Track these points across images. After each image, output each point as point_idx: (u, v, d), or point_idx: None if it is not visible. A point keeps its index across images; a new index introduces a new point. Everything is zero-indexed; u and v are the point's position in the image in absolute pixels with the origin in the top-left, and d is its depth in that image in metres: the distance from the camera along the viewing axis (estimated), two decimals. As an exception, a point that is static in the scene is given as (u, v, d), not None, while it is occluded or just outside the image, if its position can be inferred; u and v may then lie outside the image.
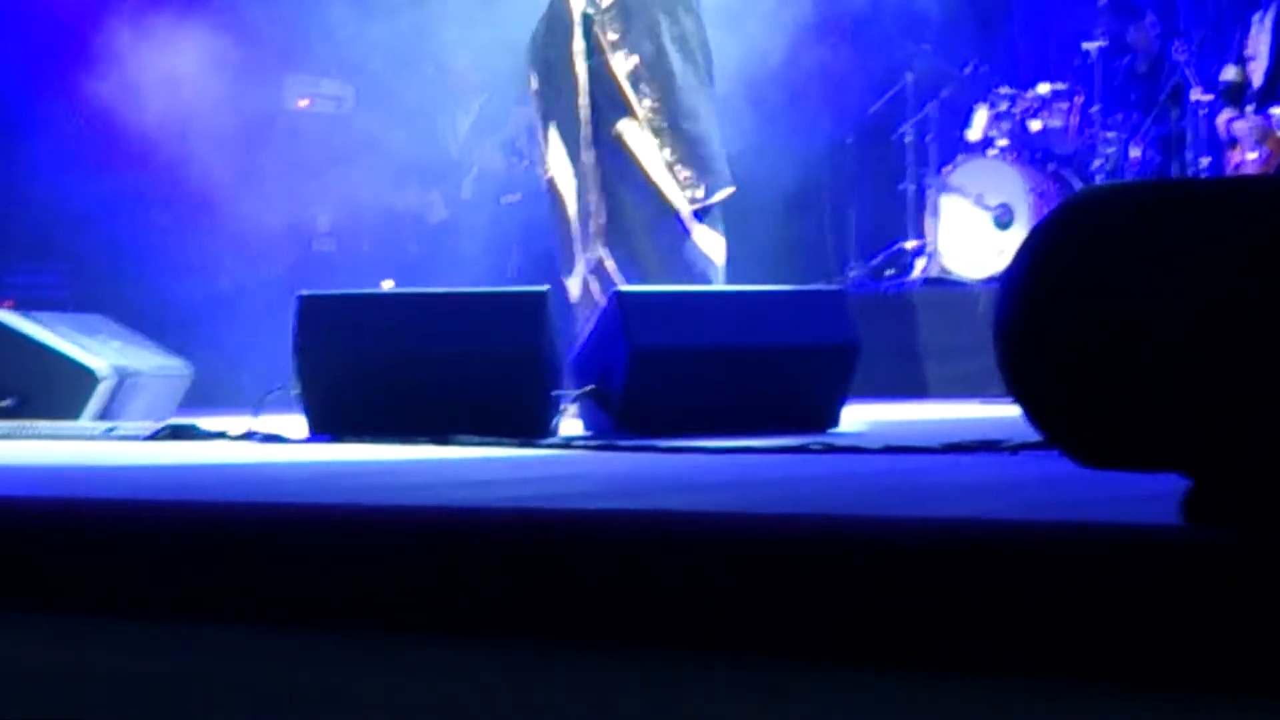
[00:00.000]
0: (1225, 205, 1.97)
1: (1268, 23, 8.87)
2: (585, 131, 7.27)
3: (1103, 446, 2.11)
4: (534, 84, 7.49)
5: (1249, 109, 8.97)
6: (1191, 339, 1.96)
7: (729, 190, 7.31)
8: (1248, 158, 8.96)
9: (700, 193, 7.19)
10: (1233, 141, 9.08)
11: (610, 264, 7.22)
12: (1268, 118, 8.83)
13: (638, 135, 7.20)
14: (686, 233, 7.22)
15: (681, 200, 7.20)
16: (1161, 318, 1.96)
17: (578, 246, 7.36)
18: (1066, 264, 2.00)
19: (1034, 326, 2.04)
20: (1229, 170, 9.12)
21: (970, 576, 2.08)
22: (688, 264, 7.18)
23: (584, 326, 6.85)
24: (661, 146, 7.19)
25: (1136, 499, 2.66)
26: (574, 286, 7.39)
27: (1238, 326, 1.93)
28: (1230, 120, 9.04)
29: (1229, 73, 9.10)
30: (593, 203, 7.26)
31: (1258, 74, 8.97)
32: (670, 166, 7.18)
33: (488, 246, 9.88)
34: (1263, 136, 8.87)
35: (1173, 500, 2.30)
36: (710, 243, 7.27)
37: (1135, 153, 9.77)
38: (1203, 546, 2.02)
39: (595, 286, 7.23)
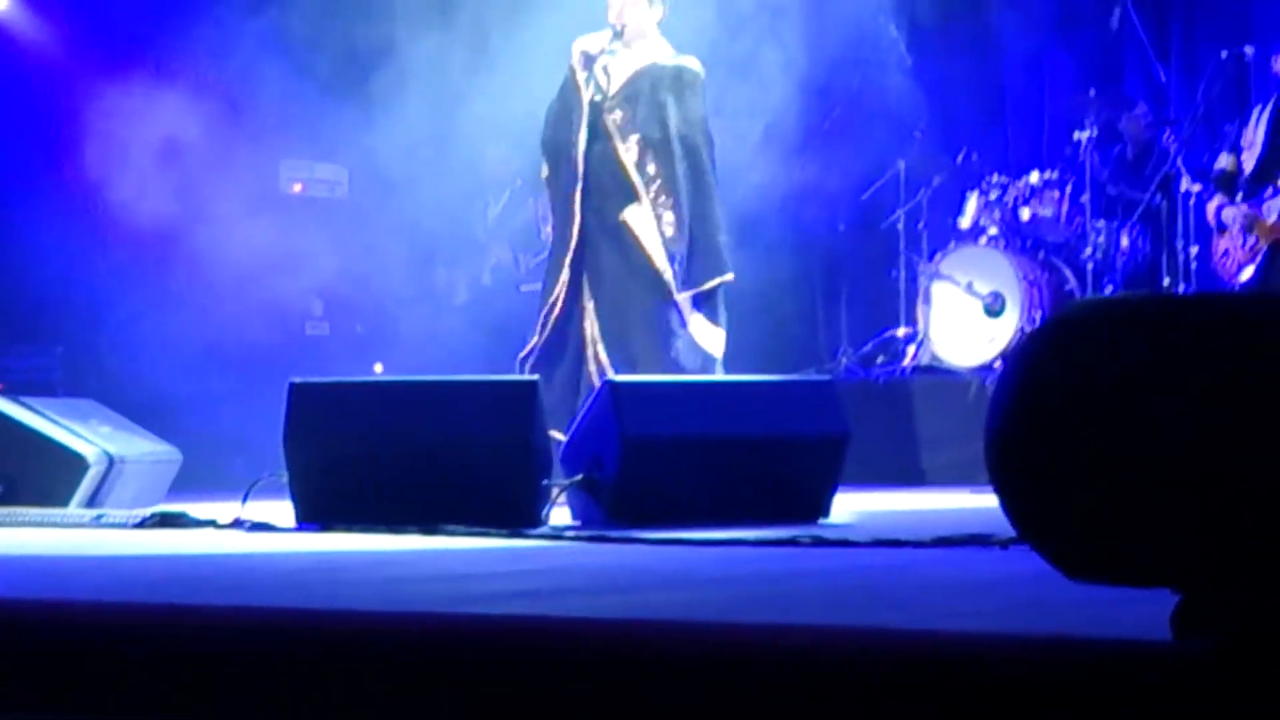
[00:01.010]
0: (1213, 321, 1.97)
1: (1266, 115, 8.92)
2: (574, 226, 7.30)
3: (1090, 560, 2.11)
4: (545, 171, 7.55)
5: (1238, 196, 9.01)
6: (1177, 454, 1.95)
7: (723, 278, 7.30)
8: (1235, 245, 8.98)
9: (684, 281, 7.20)
10: (1221, 228, 9.11)
11: (603, 355, 7.21)
12: (1256, 205, 8.86)
13: (642, 221, 7.22)
14: (684, 323, 7.22)
15: (674, 288, 7.20)
16: (1146, 434, 1.96)
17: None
18: (1052, 379, 2.00)
19: (1019, 440, 2.04)
20: (1216, 257, 9.13)
21: (958, 690, 2.07)
22: (683, 356, 7.16)
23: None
24: (661, 231, 7.21)
25: (1125, 600, 2.66)
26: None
27: (1224, 441, 1.93)
28: (1220, 207, 9.07)
29: (1223, 160, 9.12)
30: (584, 298, 7.29)
31: (1250, 162, 8.99)
32: (667, 252, 7.20)
33: (506, 333, 9.88)
34: (1250, 224, 8.89)
35: (1161, 601, 2.29)
36: (707, 335, 7.25)
37: (1125, 241, 9.80)
38: (1191, 662, 2.01)
39: (592, 370, 7.22)
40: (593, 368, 7.21)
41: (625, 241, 7.24)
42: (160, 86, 9.67)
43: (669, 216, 7.20)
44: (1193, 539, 1.99)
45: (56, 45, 9.68)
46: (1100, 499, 1.99)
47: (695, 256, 7.22)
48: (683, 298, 7.20)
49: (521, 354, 7.34)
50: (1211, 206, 9.13)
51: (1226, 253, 9.00)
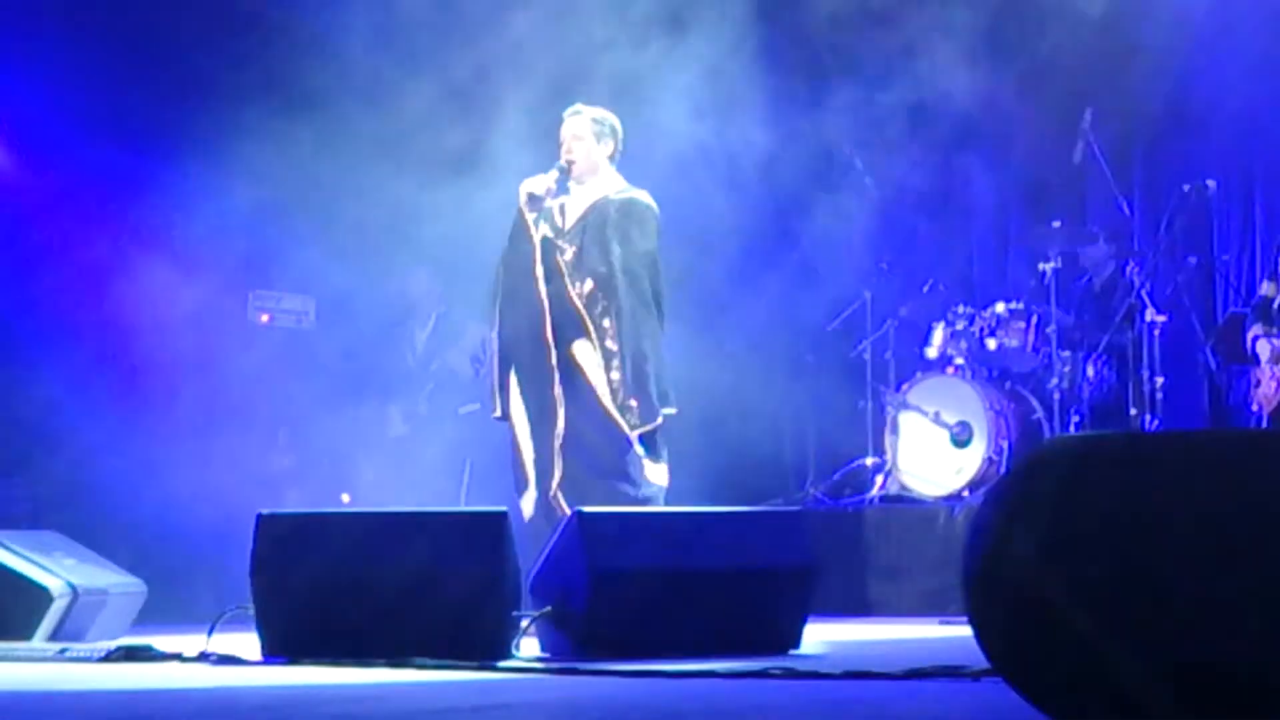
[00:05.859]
0: (1183, 462, 1.98)
1: None
2: (551, 359, 7.36)
3: (1061, 696, 2.10)
4: (497, 318, 7.54)
5: (1274, 329, 8.79)
6: (1148, 595, 1.95)
7: (665, 413, 7.36)
8: (1265, 377, 8.83)
9: (637, 418, 7.29)
10: (1255, 358, 8.93)
11: (559, 492, 7.29)
12: None
13: (590, 358, 7.33)
14: (629, 460, 7.30)
15: (625, 425, 7.30)
16: (1117, 574, 1.95)
17: (532, 471, 7.41)
18: (1027, 518, 2.00)
19: (995, 576, 2.04)
20: (1250, 387, 8.96)
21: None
22: (634, 489, 7.24)
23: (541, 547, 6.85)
24: (608, 370, 7.30)
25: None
26: (527, 506, 7.43)
27: (1198, 580, 1.93)
28: (1255, 338, 8.90)
29: (1265, 288, 8.98)
30: (556, 433, 7.33)
31: None
32: (615, 391, 7.29)
33: (443, 461, 9.88)
34: (1277, 359, 8.74)
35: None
36: (652, 470, 7.35)
37: (1091, 371, 9.84)
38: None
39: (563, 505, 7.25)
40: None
41: (576, 378, 7.32)
42: (135, 225, 9.70)
43: (614, 353, 7.29)
44: (1166, 680, 1.98)
45: (36, 186, 9.72)
46: (1074, 636, 1.98)
47: (639, 394, 7.30)
48: (630, 434, 7.28)
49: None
50: (1250, 335, 8.94)
51: (1258, 383, 8.86)
